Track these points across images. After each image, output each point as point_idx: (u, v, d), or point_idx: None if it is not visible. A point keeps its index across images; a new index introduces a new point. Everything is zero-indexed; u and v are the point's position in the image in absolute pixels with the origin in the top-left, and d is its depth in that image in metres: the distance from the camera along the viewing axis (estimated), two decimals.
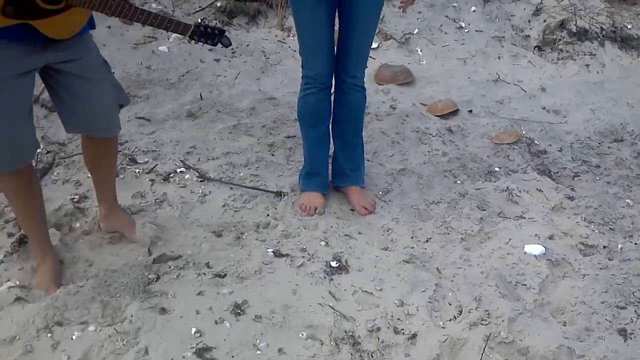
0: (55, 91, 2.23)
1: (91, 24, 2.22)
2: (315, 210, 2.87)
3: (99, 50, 2.35)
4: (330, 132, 2.98)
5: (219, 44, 2.21)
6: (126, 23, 2.12)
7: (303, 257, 2.58)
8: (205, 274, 2.43)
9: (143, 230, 2.61)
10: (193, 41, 2.20)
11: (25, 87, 2.11)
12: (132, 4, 2.07)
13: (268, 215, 2.85)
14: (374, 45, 4.66)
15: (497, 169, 3.39)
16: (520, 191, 3.16)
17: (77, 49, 2.15)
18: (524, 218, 2.97)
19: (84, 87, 2.21)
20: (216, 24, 4.93)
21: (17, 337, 2.09)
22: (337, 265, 2.54)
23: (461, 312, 2.36)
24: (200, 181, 3.06)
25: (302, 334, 2.19)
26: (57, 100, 2.26)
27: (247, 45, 4.80)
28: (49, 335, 2.11)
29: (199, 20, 4.68)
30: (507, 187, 3.18)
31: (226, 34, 2.21)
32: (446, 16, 5.24)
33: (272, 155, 3.38)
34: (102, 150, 2.48)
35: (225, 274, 2.44)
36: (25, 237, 2.51)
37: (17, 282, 2.35)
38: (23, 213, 2.37)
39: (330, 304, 2.33)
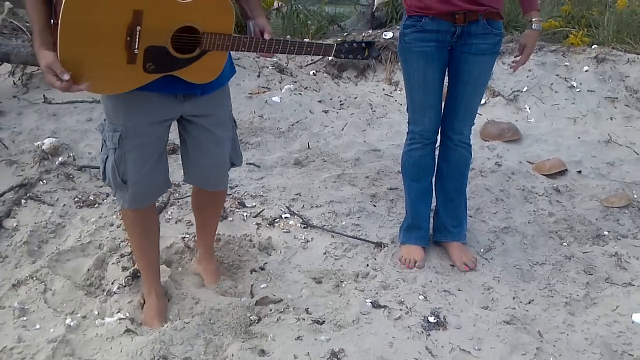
0: (183, 140, 2.35)
1: (232, 69, 2.32)
2: (415, 264, 2.87)
3: None
4: (433, 187, 2.99)
5: (371, 57, 2.17)
6: (265, 56, 2.15)
7: (401, 309, 2.58)
8: (304, 319, 2.47)
9: (220, 284, 2.69)
10: (340, 59, 2.18)
11: (159, 135, 2.23)
12: (267, 37, 2.09)
13: (367, 265, 2.88)
14: (481, 101, 4.67)
15: (606, 232, 3.27)
16: (629, 257, 3.03)
17: (212, 104, 2.24)
18: (633, 285, 2.83)
19: (209, 141, 2.30)
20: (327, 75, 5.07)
21: None
22: (435, 320, 2.52)
23: None
24: (304, 228, 3.14)
25: None
26: (183, 149, 2.37)
27: (355, 98, 4.92)
28: None
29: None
30: (616, 252, 3.06)
31: (375, 45, 2.14)
32: (557, 75, 5.17)
33: (374, 206, 3.43)
34: (210, 201, 2.58)
35: (324, 321, 2.48)
36: (139, 271, 2.63)
37: (127, 315, 2.47)
38: (136, 247, 2.50)
39: None
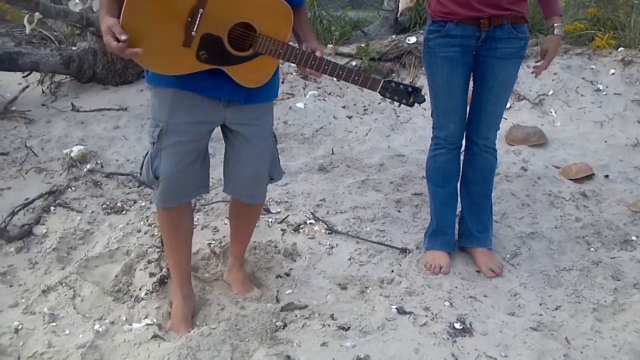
0: (226, 151, 2.38)
1: (276, 92, 2.35)
2: (440, 270, 2.86)
3: None
4: (458, 192, 2.98)
5: (415, 103, 2.15)
6: (313, 75, 2.16)
7: (426, 316, 2.57)
8: (329, 325, 2.47)
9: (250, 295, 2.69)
10: (388, 100, 2.15)
11: (199, 136, 2.25)
12: (319, 55, 2.11)
13: (392, 271, 2.88)
14: (507, 105, 4.65)
15: (634, 237, 3.23)
16: None
17: (255, 114, 2.27)
18: None
19: (247, 152, 2.31)
20: None
21: None
22: (461, 327, 2.51)
23: None
24: (328, 233, 3.15)
25: None
26: (225, 160, 2.40)
27: (379, 103, 4.93)
28: None
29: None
30: None
31: (422, 92, 2.12)
32: (583, 78, 5.12)
33: (399, 211, 3.42)
34: (245, 213, 2.59)
35: (349, 327, 2.48)
36: (166, 277, 2.67)
37: (155, 320, 2.49)
38: (167, 244, 2.50)
39: None
